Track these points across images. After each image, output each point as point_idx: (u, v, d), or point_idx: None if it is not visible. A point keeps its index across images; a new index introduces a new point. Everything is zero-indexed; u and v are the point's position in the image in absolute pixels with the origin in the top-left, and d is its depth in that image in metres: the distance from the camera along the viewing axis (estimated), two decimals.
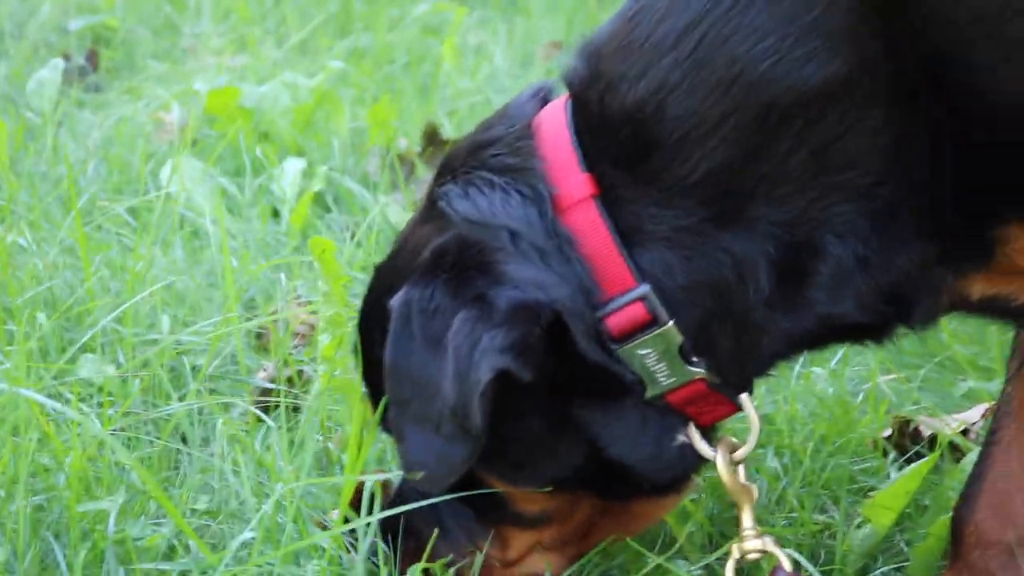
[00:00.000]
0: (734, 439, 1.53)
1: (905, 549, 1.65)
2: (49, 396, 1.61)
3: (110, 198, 2.44)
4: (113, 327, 1.94)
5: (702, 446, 1.49)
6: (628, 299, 1.41)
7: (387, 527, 1.56)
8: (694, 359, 1.43)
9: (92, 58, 3.12)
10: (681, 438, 1.50)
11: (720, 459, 1.50)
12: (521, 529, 1.59)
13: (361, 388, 1.56)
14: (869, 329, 1.45)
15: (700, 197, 1.37)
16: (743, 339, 1.43)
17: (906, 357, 2.19)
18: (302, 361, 1.92)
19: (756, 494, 1.54)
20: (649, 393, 1.45)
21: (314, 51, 3.13)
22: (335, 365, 1.66)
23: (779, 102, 1.33)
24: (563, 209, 1.44)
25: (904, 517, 1.66)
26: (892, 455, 1.83)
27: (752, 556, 1.52)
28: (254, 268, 2.14)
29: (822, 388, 1.94)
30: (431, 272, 1.46)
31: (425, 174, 2.51)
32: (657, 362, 1.44)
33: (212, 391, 1.89)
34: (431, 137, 2.62)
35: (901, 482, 1.63)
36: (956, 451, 1.77)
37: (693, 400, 1.47)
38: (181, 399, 1.80)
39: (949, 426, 1.84)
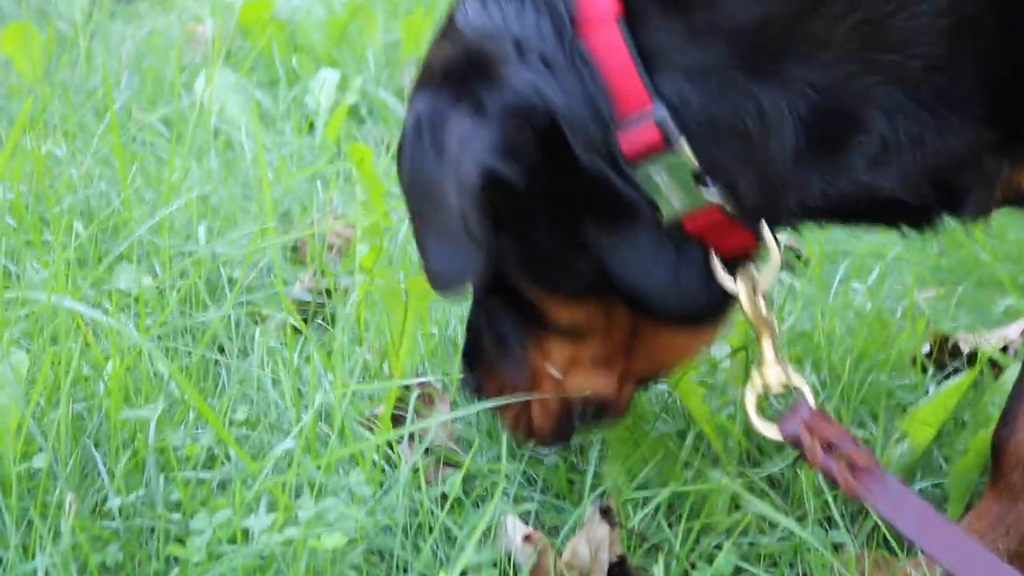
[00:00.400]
0: (756, 271, 1.51)
1: (944, 465, 1.64)
2: (87, 305, 1.62)
3: (144, 109, 2.44)
4: (150, 239, 1.95)
5: (723, 276, 1.48)
6: (643, 119, 1.39)
7: (466, 360, 1.62)
8: (709, 185, 1.41)
9: None
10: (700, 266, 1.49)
11: (742, 288, 1.49)
12: (561, 340, 1.56)
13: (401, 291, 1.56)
14: (911, 211, 1.43)
15: (736, 43, 1.35)
16: (765, 186, 1.40)
17: (944, 274, 2.18)
18: (338, 273, 1.93)
19: (777, 327, 1.52)
20: (664, 217, 1.43)
21: None
22: (373, 275, 1.67)
23: None
24: (582, 25, 1.42)
25: (943, 433, 1.65)
26: (931, 371, 1.82)
27: (775, 389, 1.51)
28: (289, 180, 2.15)
29: (860, 304, 1.94)
30: (440, 85, 1.46)
31: None
32: (671, 185, 1.43)
33: (249, 303, 1.90)
34: None
35: (940, 398, 1.62)
36: (995, 368, 1.76)
37: (711, 228, 1.45)
38: (218, 308, 1.81)
39: (988, 342, 1.83)
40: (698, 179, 1.40)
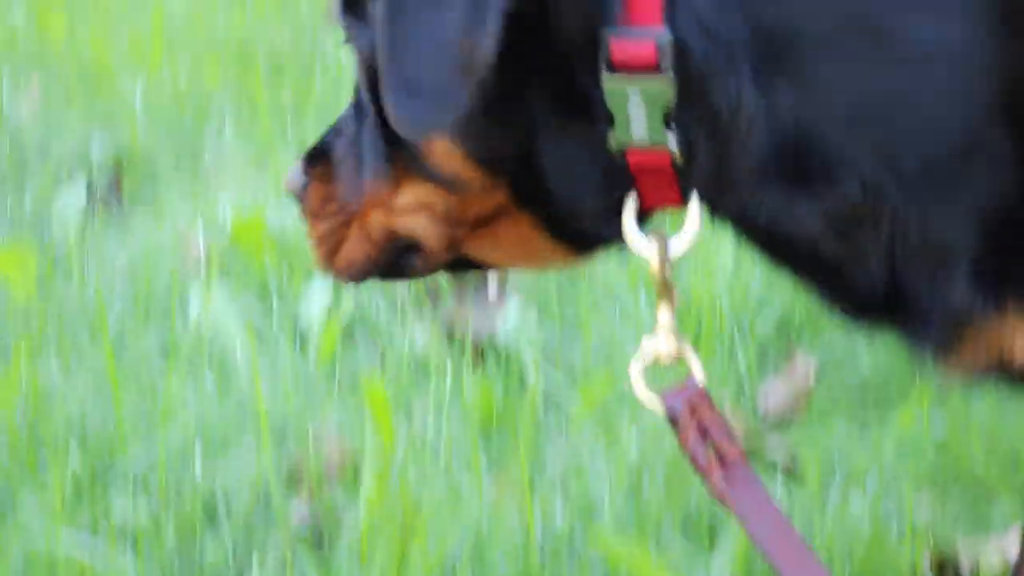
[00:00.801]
0: (667, 233, 1.42)
1: None
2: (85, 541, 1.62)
3: (137, 326, 2.47)
4: (146, 466, 1.96)
5: (632, 225, 1.42)
6: (645, 35, 1.31)
7: (308, 160, 1.53)
8: (673, 130, 1.34)
9: (116, 181, 3.17)
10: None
11: (654, 247, 1.42)
12: (426, 182, 1.46)
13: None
14: (850, 290, 1.38)
15: (757, 33, 1.31)
16: (717, 168, 1.34)
17: (939, 473, 2.20)
18: (338, 499, 1.94)
19: (677, 298, 1.47)
20: (614, 138, 1.36)
21: None
22: (379, 507, 1.68)
23: None
24: None
25: None
26: None
27: (665, 361, 1.45)
28: (285, 399, 2.17)
29: (857, 520, 1.95)
30: None
31: (452, 300, 2.53)
32: (639, 110, 1.35)
33: (247, 527, 1.90)
34: None
35: None
36: None
37: (650, 171, 1.39)
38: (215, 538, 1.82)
39: (990, 560, 1.84)
40: (666, 119, 1.34)
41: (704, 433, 1.41)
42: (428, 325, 2.42)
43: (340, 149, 1.53)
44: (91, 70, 3.97)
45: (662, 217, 1.44)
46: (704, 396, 1.43)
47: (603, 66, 1.33)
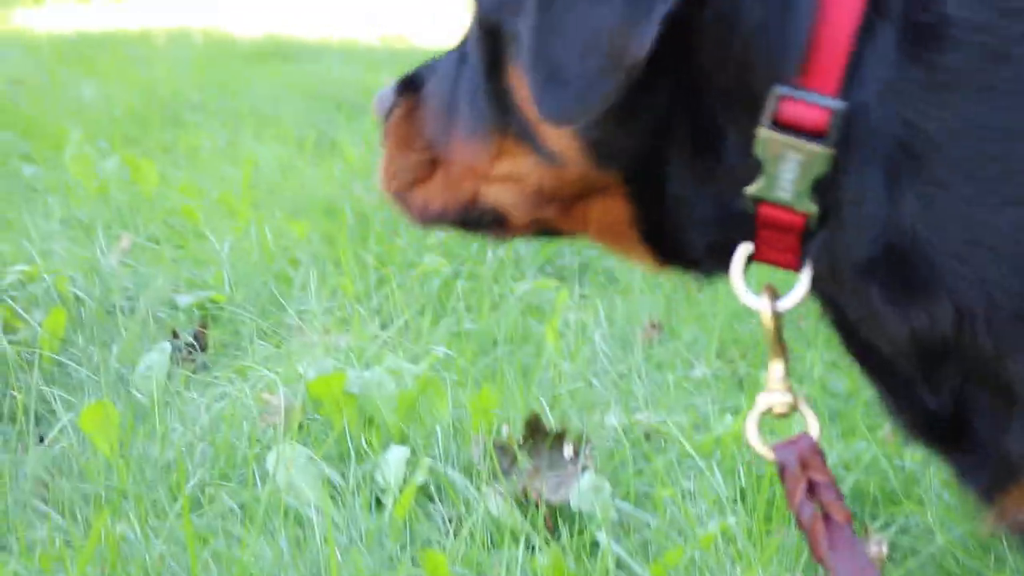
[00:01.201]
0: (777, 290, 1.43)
1: None
2: None
3: (216, 484, 2.51)
4: None
5: (741, 279, 1.42)
6: (819, 100, 1.31)
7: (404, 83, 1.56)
8: (824, 211, 1.34)
9: (200, 335, 3.22)
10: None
11: (765, 304, 1.43)
12: (524, 154, 1.47)
13: None
14: (904, 391, 1.39)
15: (911, 146, 1.30)
16: (835, 252, 1.34)
17: None
18: None
19: (789, 355, 1.47)
20: (754, 188, 1.36)
21: (417, 331, 3.20)
22: None
23: None
24: None
25: None
26: None
27: (779, 410, 1.46)
28: (359, 561, 2.19)
29: None
30: None
31: (526, 464, 2.55)
32: (790, 172, 1.34)
33: None
34: (534, 426, 2.65)
35: None
36: None
37: (777, 228, 1.39)
38: None
39: None
40: (815, 187, 1.33)
41: (813, 490, 1.41)
42: (502, 490, 2.43)
43: (436, 90, 1.55)
44: (180, 221, 4.06)
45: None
46: (816, 452, 1.44)
47: (765, 119, 1.33)
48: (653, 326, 3.39)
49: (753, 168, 1.37)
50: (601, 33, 1.30)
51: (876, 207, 1.32)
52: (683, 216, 1.47)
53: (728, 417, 2.68)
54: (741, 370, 3.21)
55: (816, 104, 1.31)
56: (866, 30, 1.31)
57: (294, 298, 3.45)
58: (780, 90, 1.33)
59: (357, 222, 4.08)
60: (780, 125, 1.33)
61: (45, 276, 3.38)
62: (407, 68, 1.60)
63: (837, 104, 1.31)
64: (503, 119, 1.46)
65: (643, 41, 1.26)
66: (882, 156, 1.31)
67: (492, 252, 3.83)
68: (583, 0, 1.31)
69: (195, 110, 6.03)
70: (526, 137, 1.46)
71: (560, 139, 1.43)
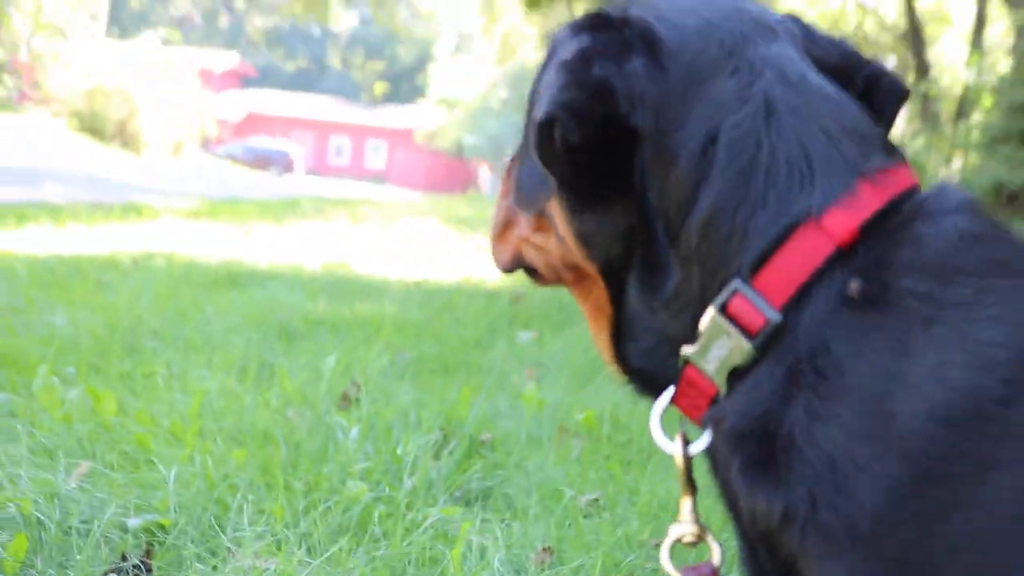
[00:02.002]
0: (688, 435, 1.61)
1: None
2: None
3: None
4: None
5: (658, 425, 1.61)
6: (764, 309, 1.45)
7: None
8: (730, 389, 1.47)
9: (146, 559, 3.29)
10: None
11: (678, 449, 1.59)
12: (550, 233, 1.77)
13: None
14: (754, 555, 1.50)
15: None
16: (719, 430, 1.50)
17: None
18: None
19: (697, 492, 1.62)
20: (689, 351, 1.52)
21: (338, 558, 3.29)
22: None
23: None
24: (821, 215, 1.48)
25: None
26: None
27: (688, 540, 1.60)
28: None
29: None
30: (593, 27, 1.69)
31: None
32: (720, 351, 1.48)
33: None
34: None
35: None
36: None
37: (695, 389, 1.54)
38: None
39: None
40: (733, 375, 1.48)
41: None
42: None
43: (515, 168, 1.88)
44: (134, 449, 4.14)
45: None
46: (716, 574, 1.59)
47: (717, 303, 1.51)
48: (545, 550, 3.48)
49: (687, 326, 1.54)
50: (530, 183, 1.77)
51: (768, 397, 1.42)
52: (633, 328, 1.65)
53: None
54: None
55: (761, 311, 1.45)
56: (824, 272, 1.45)
57: (231, 522, 3.52)
58: (737, 284, 1.48)
59: (289, 449, 4.18)
60: (725, 311, 1.48)
61: (10, 504, 3.45)
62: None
63: (775, 317, 1.44)
64: (540, 207, 1.78)
65: (542, 198, 1.71)
66: (793, 366, 1.41)
67: (408, 478, 3.95)
68: (526, 167, 1.78)
69: (154, 337, 6.15)
70: (551, 221, 1.76)
71: (565, 227, 1.71)
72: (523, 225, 1.82)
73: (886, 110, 1.73)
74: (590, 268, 1.70)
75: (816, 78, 1.61)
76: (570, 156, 1.60)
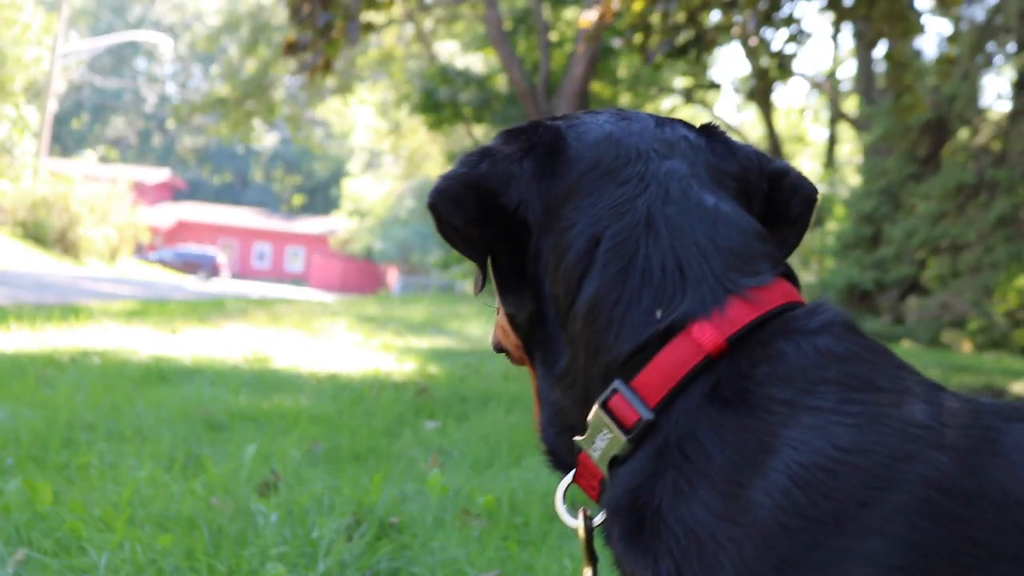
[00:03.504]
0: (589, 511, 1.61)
1: None
2: None
3: None
4: None
5: (561, 502, 1.62)
6: (641, 409, 1.45)
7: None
8: (613, 474, 1.47)
9: None
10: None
11: (581, 524, 1.59)
12: (502, 315, 1.77)
13: None
14: None
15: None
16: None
17: None
18: None
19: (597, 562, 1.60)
20: (579, 439, 1.53)
21: None
22: None
23: None
24: (693, 325, 1.49)
25: None
26: None
27: None
28: None
29: None
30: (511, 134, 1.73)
31: None
32: (602, 442, 1.48)
33: None
34: None
35: None
36: None
37: (588, 473, 1.53)
38: None
39: None
40: (615, 463, 1.48)
41: None
42: None
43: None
44: (67, 536, 4.01)
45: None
46: None
47: (600, 400, 1.51)
48: None
49: (576, 402, 1.56)
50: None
51: (639, 475, 1.43)
52: (542, 404, 1.66)
53: None
54: None
55: (636, 410, 1.46)
56: (694, 376, 1.46)
57: None
58: (617, 384, 1.49)
59: (212, 534, 4.08)
60: (607, 407, 1.49)
61: None
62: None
63: (648, 415, 1.45)
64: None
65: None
66: (663, 449, 1.42)
67: (322, 560, 3.86)
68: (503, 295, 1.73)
69: (89, 430, 5.99)
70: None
71: (503, 312, 1.75)
72: (499, 314, 1.83)
73: (790, 209, 1.75)
74: (518, 347, 1.74)
75: (699, 194, 1.61)
76: (461, 237, 1.65)
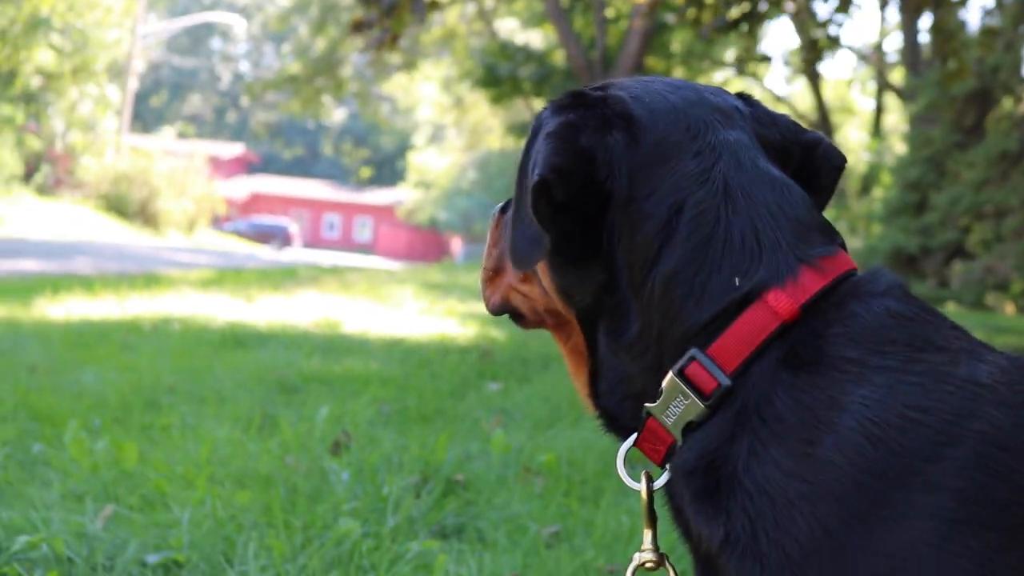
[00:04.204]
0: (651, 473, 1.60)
1: None
2: None
3: None
4: None
5: (623, 466, 1.60)
6: (719, 375, 1.44)
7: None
8: (687, 439, 1.46)
9: None
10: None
11: (644, 486, 1.57)
12: (535, 282, 1.74)
13: None
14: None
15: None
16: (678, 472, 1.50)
17: None
18: None
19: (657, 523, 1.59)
20: (651, 405, 1.50)
21: None
22: None
23: None
24: (768, 293, 1.48)
25: None
26: None
27: (648, 566, 1.57)
28: None
29: None
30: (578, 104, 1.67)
31: None
32: (677, 408, 1.47)
33: None
34: None
35: None
36: None
37: (655, 437, 1.51)
38: None
39: None
40: (689, 428, 1.46)
41: None
42: None
43: (507, 230, 1.77)
44: (152, 493, 4.08)
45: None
46: None
47: (675, 368, 1.49)
48: None
49: (645, 369, 1.54)
50: (526, 244, 1.59)
51: (716, 439, 1.43)
52: (602, 369, 1.63)
53: None
54: None
55: (715, 376, 1.46)
56: (770, 342, 1.46)
57: (237, 557, 3.46)
58: (694, 352, 1.48)
59: (288, 491, 4.12)
60: (683, 375, 1.48)
61: (43, 544, 3.38)
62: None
63: (727, 382, 1.45)
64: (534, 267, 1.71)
65: (537, 256, 1.57)
66: (740, 414, 1.42)
67: (392, 516, 3.90)
68: (519, 231, 1.61)
69: (170, 393, 6.08)
70: (536, 274, 1.73)
71: (548, 282, 1.69)
72: (511, 274, 1.81)
73: (821, 177, 1.75)
74: (569, 315, 1.69)
75: (765, 164, 1.62)
76: (557, 217, 1.60)
